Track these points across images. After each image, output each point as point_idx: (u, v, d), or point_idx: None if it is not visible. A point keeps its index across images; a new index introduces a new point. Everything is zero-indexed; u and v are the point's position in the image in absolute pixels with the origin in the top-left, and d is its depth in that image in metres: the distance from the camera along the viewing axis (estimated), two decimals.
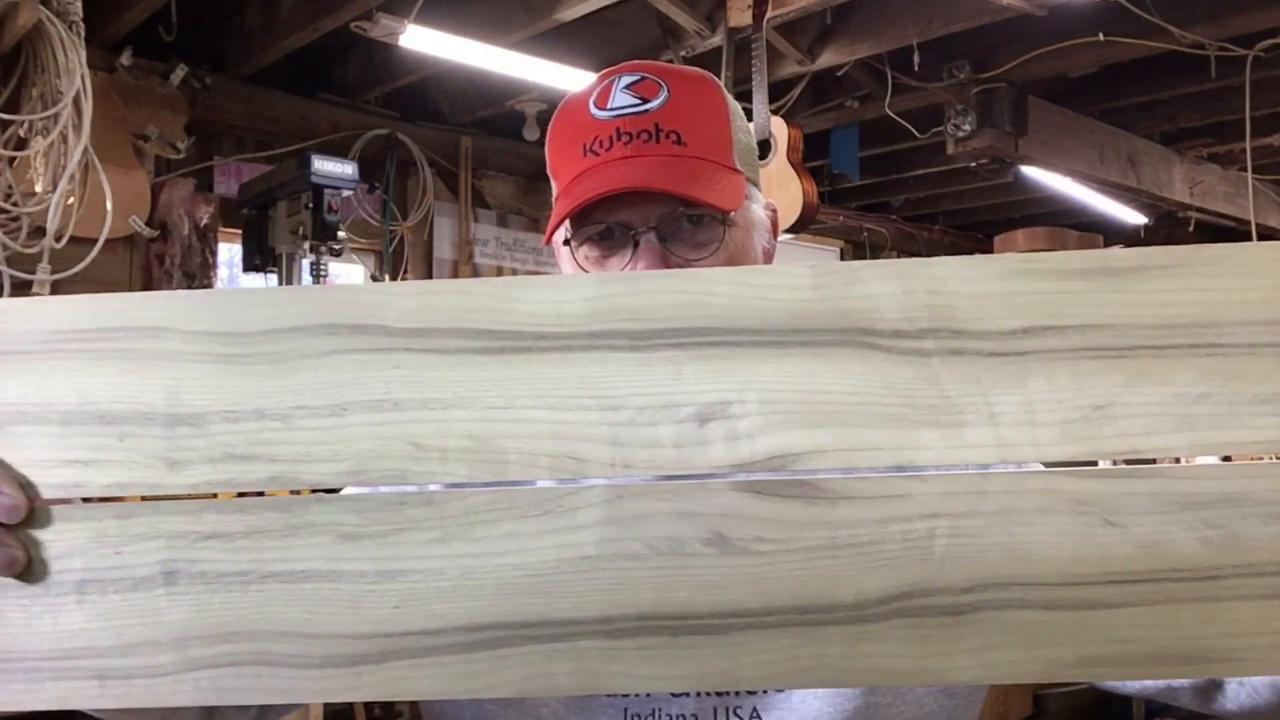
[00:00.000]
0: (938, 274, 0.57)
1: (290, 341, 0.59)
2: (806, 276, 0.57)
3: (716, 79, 0.93)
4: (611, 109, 0.88)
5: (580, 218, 0.87)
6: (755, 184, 0.93)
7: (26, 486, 0.59)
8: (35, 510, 0.59)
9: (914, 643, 0.56)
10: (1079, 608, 0.55)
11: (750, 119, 3.42)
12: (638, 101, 0.87)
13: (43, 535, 0.59)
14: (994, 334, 0.57)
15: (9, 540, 0.58)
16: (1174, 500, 0.56)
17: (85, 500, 0.60)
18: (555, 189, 0.93)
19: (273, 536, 0.59)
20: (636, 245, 0.86)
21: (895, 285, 0.57)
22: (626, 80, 0.89)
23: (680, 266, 0.86)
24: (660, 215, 0.85)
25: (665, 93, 0.87)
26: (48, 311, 0.62)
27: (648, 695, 0.83)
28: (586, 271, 0.89)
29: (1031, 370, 0.56)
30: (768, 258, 0.96)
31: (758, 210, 0.93)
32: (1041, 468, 0.60)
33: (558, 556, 0.57)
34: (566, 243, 0.90)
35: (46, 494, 0.59)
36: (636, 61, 0.92)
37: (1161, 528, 0.56)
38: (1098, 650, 0.56)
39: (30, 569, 0.59)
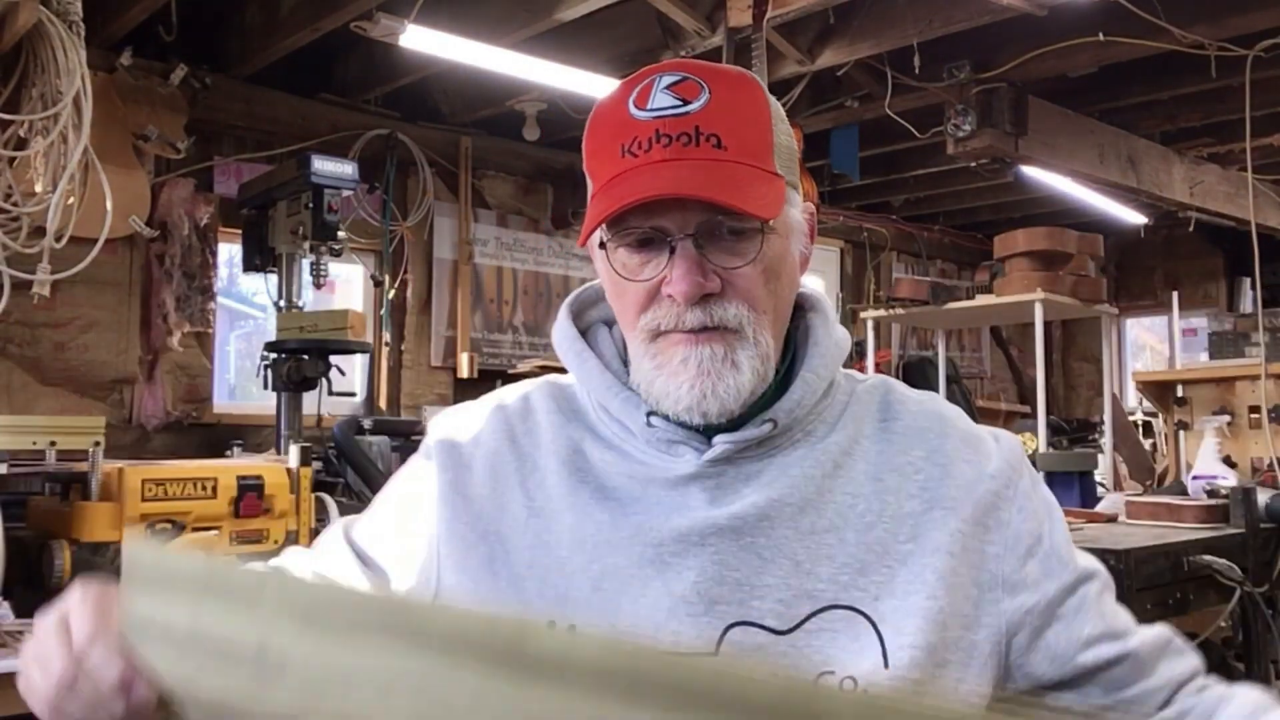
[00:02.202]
0: None
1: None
2: None
3: (759, 80, 0.91)
4: (652, 109, 0.86)
5: (616, 220, 0.86)
6: (796, 187, 0.92)
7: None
8: None
9: None
10: None
11: None
12: (679, 103, 0.85)
13: None
14: None
15: None
16: None
17: None
18: (591, 188, 0.91)
19: None
20: (673, 251, 0.85)
21: None
22: (668, 80, 0.87)
23: (717, 274, 0.85)
24: (698, 223, 0.84)
25: (706, 94, 0.86)
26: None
27: None
28: (621, 275, 0.88)
29: None
30: (805, 263, 0.95)
31: (796, 215, 0.92)
32: None
33: None
34: (602, 245, 0.89)
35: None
36: (679, 60, 0.91)
37: None
38: None
39: None
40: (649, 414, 0.90)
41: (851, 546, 0.86)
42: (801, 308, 0.97)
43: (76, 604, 0.75)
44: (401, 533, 0.98)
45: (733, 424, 0.88)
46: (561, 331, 0.97)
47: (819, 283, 6.79)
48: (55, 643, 0.74)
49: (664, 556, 0.86)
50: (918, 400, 0.97)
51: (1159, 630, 0.93)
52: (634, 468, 0.91)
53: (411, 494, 0.99)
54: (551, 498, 0.92)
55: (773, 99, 0.91)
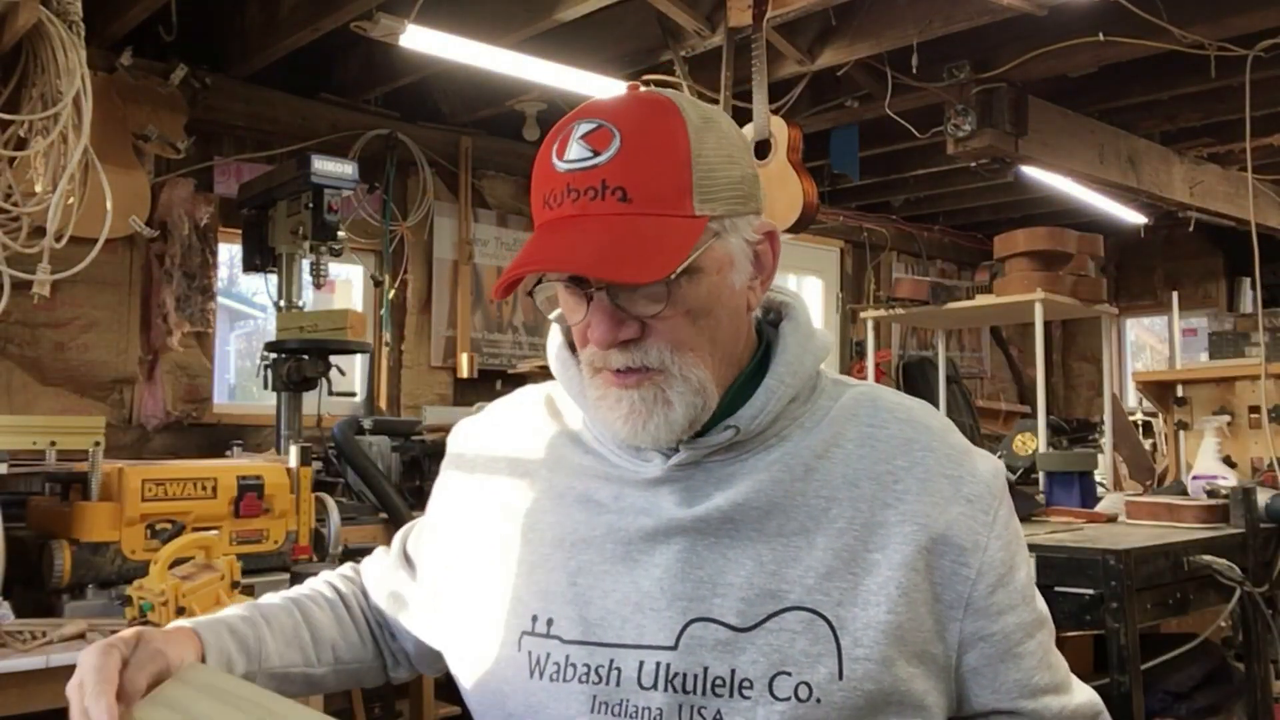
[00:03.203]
0: None
1: None
2: None
3: (684, 109, 0.89)
4: (567, 160, 0.87)
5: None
6: (741, 213, 0.91)
7: None
8: None
9: None
10: None
11: (750, 120, 3.42)
12: (589, 154, 0.86)
13: None
14: None
15: None
16: None
17: None
18: None
19: None
20: (590, 300, 0.88)
21: None
22: (583, 129, 0.88)
23: (633, 321, 0.88)
24: None
25: (616, 143, 0.86)
26: None
27: (617, 684, 0.88)
28: (564, 312, 0.93)
29: None
30: (767, 279, 0.95)
31: (735, 244, 0.91)
32: None
33: None
34: (539, 281, 0.92)
35: None
36: (597, 103, 0.91)
37: None
38: None
39: None
40: None
41: (820, 551, 0.89)
42: (779, 313, 0.99)
43: (93, 655, 0.87)
44: (428, 539, 1.10)
45: (701, 429, 0.92)
46: (551, 341, 1.03)
47: (818, 283, 6.79)
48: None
49: (632, 554, 0.91)
50: (906, 409, 0.98)
51: (1091, 699, 0.99)
52: (609, 470, 0.96)
53: (435, 502, 1.11)
54: (537, 497, 0.99)
55: (700, 126, 0.88)
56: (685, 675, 0.86)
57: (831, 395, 0.97)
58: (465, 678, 0.99)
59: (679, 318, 0.88)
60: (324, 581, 1.16)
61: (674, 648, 0.87)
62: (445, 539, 1.06)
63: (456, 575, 1.02)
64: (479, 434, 1.09)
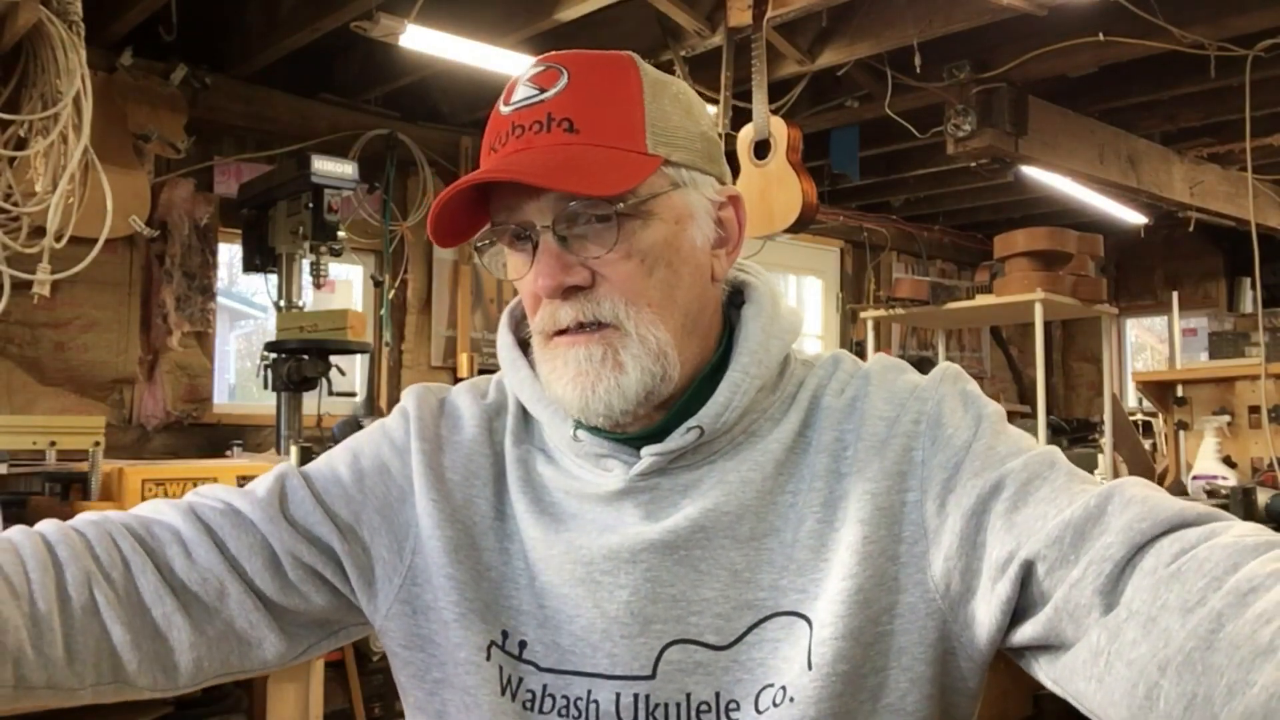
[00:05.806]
0: None
1: None
2: None
3: (639, 62, 0.85)
4: (512, 103, 0.83)
5: (493, 220, 0.85)
6: (704, 170, 0.85)
7: None
8: None
9: None
10: None
11: (750, 120, 3.42)
12: (535, 92, 0.82)
13: None
14: None
15: None
16: None
17: None
18: None
19: None
20: (536, 246, 0.81)
21: None
22: (531, 72, 0.84)
23: (582, 266, 0.81)
24: (555, 213, 0.80)
25: (564, 80, 0.82)
26: None
27: (596, 718, 0.82)
28: (513, 278, 0.86)
29: None
30: (732, 251, 0.89)
31: (696, 199, 0.84)
32: None
33: None
34: (477, 249, 0.87)
35: None
36: (554, 53, 0.86)
37: None
38: None
39: None
40: (576, 427, 0.86)
41: (789, 547, 0.82)
42: (742, 295, 0.91)
43: None
44: (373, 485, 0.92)
45: (662, 432, 0.84)
46: (500, 340, 0.94)
47: (818, 283, 6.79)
48: None
49: (594, 575, 0.83)
50: (863, 371, 0.89)
51: (1081, 508, 0.72)
52: (570, 483, 0.88)
53: (389, 450, 0.94)
54: (513, 503, 0.90)
55: (657, 81, 0.85)
56: (667, 705, 0.80)
57: (796, 379, 0.89)
58: (417, 671, 0.89)
59: (633, 265, 0.80)
60: (41, 543, 0.82)
61: (652, 676, 0.80)
62: (405, 493, 0.91)
63: (419, 544, 0.89)
64: (450, 404, 0.96)
